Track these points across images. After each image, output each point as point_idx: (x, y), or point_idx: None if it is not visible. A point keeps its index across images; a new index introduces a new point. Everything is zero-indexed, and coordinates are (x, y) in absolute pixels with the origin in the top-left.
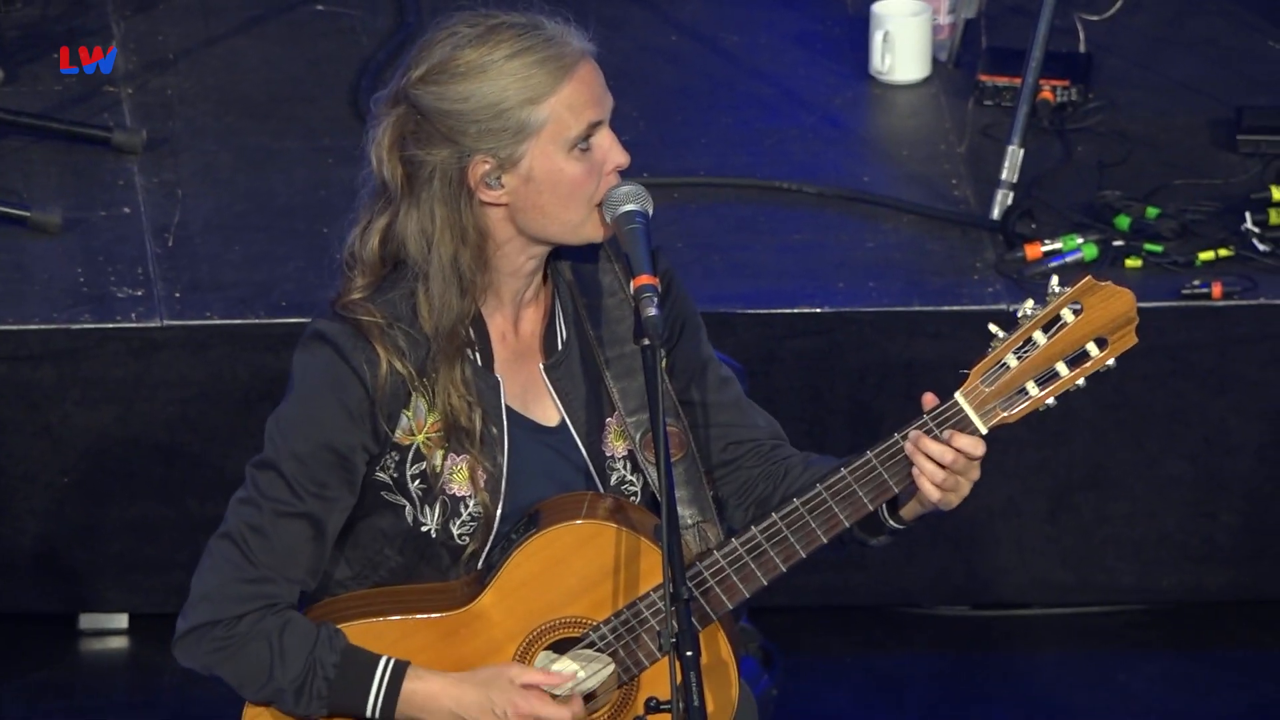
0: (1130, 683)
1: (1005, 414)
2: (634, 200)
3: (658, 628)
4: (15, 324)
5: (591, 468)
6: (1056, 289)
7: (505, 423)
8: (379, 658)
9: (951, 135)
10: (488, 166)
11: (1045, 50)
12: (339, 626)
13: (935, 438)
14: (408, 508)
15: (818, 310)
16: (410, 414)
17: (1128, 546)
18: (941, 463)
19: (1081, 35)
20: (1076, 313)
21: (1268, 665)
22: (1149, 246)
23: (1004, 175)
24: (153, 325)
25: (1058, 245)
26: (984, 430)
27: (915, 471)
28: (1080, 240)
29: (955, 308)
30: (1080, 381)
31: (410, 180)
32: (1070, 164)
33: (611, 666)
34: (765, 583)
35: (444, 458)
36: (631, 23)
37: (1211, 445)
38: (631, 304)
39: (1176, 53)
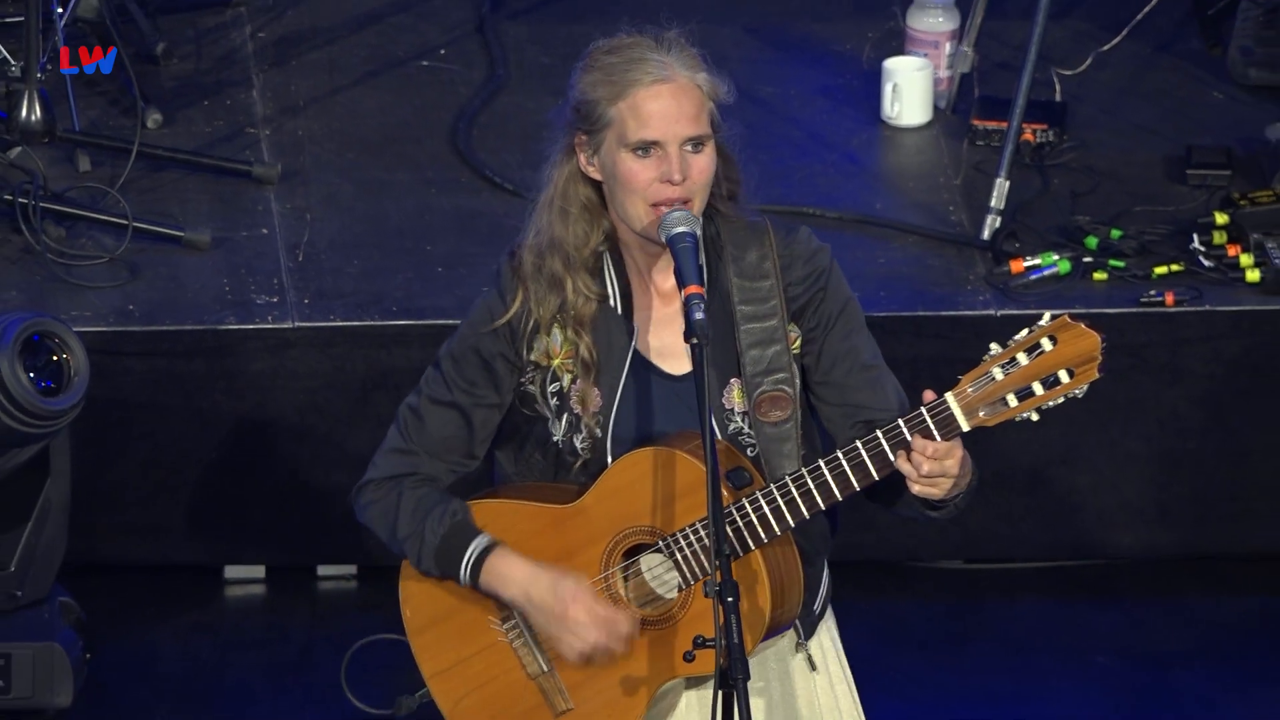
0: (1097, 625)
1: (985, 417)
2: (683, 224)
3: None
4: (172, 325)
5: (711, 417)
6: (1045, 321)
7: (629, 364)
8: (476, 535)
9: (949, 170)
10: (584, 139)
11: (1027, 99)
12: (480, 502)
13: (909, 450)
14: (550, 419)
15: None
16: (549, 340)
17: (1094, 512)
18: (918, 470)
19: (1058, 86)
20: (1054, 343)
21: (1212, 611)
22: (1113, 262)
23: (993, 203)
24: (286, 326)
25: (1037, 261)
26: (966, 428)
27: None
28: (1056, 257)
29: (952, 313)
30: (1051, 402)
31: (556, 160)
32: (1048, 194)
33: (676, 575)
34: (792, 524)
35: (572, 381)
36: None
37: (1164, 427)
38: (780, 288)
39: (1136, 101)
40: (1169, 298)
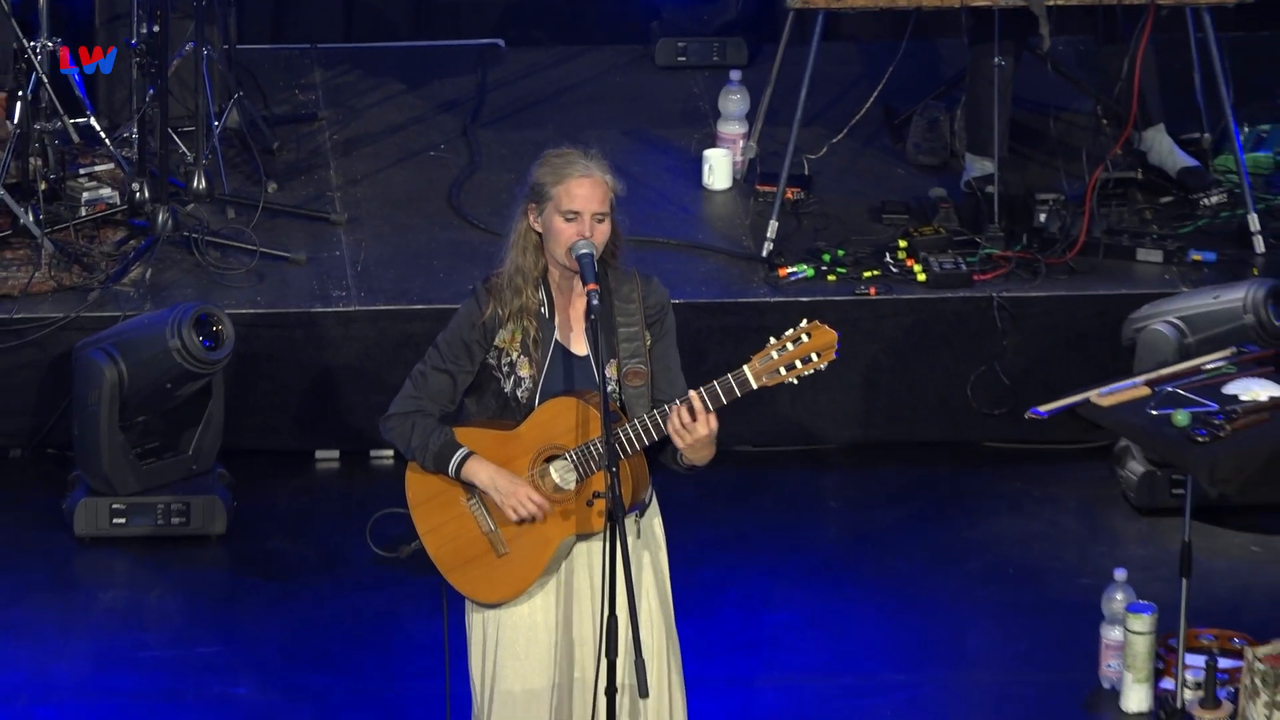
0: (830, 485)
1: (766, 381)
2: (586, 247)
3: (596, 456)
4: (282, 309)
5: (597, 380)
6: (803, 324)
7: (551, 348)
8: (459, 448)
9: (743, 215)
10: (534, 206)
11: (788, 173)
12: (457, 429)
13: (689, 409)
14: (501, 380)
15: (676, 302)
16: (505, 331)
17: (829, 416)
18: (682, 421)
19: (806, 165)
20: (808, 336)
21: (898, 476)
22: (839, 269)
23: (769, 235)
24: (351, 309)
25: (794, 269)
26: (754, 386)
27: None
28: (805, 267)
29: (743, 300)
30: (807, 373)
31: (518, 218)
32: (800, 230)
33: (574, 475)
34: (638, 448)
35: (518, 355)
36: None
37: (872, 367)
38: (641, 310)
39: (853, 175)
40: (872, 290)
